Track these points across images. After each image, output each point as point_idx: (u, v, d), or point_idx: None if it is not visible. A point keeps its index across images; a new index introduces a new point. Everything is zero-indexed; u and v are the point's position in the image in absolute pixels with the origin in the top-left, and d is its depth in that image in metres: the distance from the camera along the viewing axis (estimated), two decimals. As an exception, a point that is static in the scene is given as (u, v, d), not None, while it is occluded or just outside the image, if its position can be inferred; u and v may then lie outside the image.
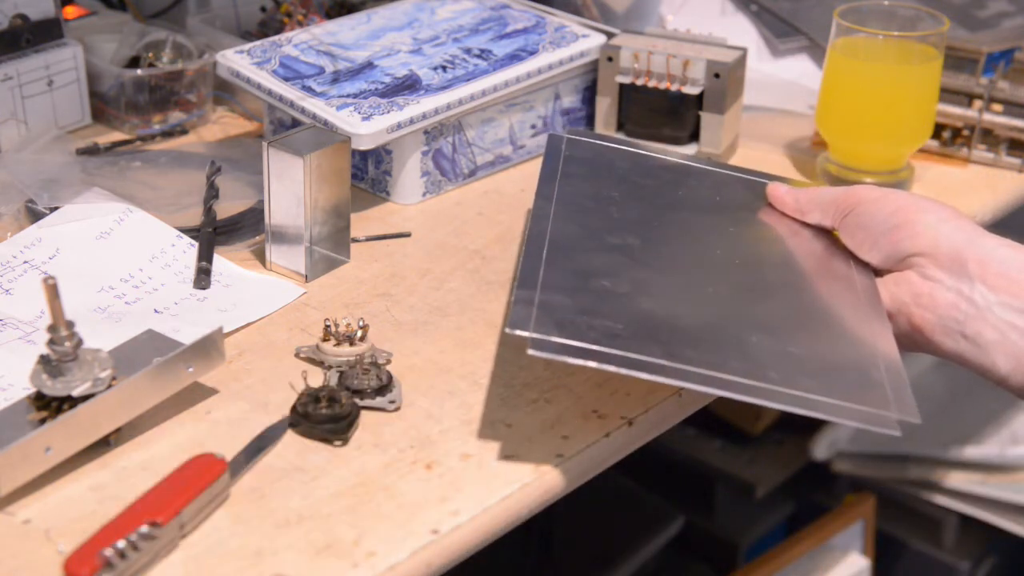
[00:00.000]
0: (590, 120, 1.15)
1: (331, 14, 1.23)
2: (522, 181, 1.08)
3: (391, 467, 0.73)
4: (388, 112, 0.99)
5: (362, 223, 1.00)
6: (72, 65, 1.13)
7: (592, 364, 0.70)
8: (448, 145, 1.05)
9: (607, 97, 1.12)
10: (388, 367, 0.81)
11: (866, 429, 0.72)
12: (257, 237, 0.96)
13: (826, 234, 0.90)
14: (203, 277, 0.90)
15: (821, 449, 1.61)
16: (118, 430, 0.74)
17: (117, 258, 0.92)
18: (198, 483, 0.68)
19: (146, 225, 0.95)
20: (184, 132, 1.16)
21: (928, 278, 0.80)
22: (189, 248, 0.94)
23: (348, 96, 1.01)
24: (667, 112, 1.10)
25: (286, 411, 0.77)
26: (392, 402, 0.78)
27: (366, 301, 0.90)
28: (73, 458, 0.71)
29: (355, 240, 0.96)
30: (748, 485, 1.59)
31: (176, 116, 1.16)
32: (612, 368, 0.70)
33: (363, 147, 0.98)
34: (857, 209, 0.86)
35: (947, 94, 1.13)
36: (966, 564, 1.57)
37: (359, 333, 0.82)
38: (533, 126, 1.11)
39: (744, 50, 1.11)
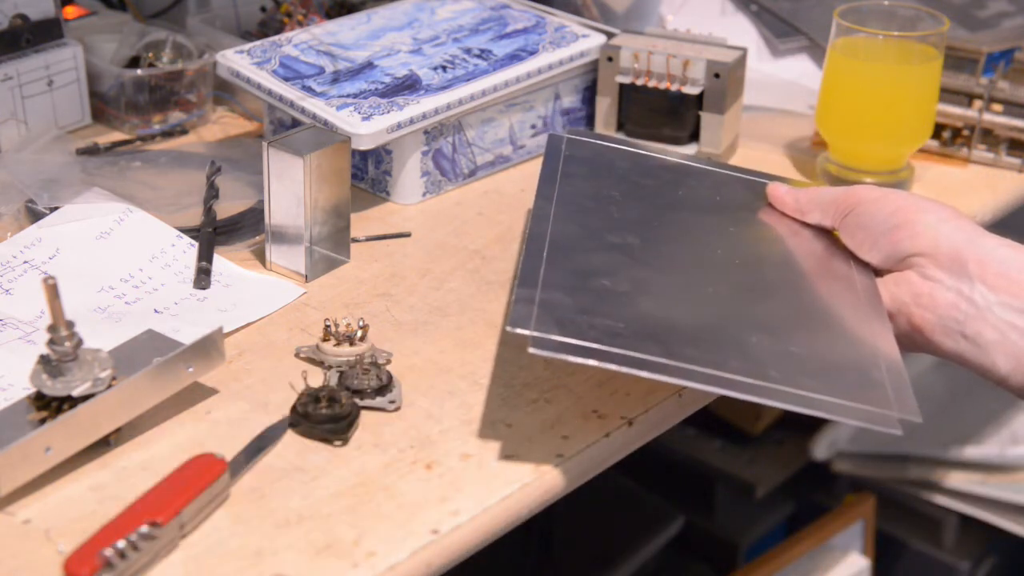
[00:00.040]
0: (590, 120, 1.15)
1: (331, 14, 1.23)
2: (522, 181, 1.08)
3: (391, 467, 0.73)
4: (388, 112, 0.99)
5: (362, 223, 1.00)
6: (72, 65, 1.13)
7: (593, 363, 0.70)
8: (448, 145, 1.05)
9: (607, 97, 1.12)
10: (388, 367, 0.81)
11: (867, 428, 0.72)
12: (257, 237, 0.96)
13: (826, 234, 0.90)
14: (203, 277, 0.90)
15: (821, 449, 1.61)
16: (118, 430, 0.74)
17: (117, 258, 0.92)
18: (198, 483, 0.68)
19: (146, 225, 0.95)
20: (184, 132, 1.16)
21: (928, 278, 0.80)
22: (189, 248, 0.94)
23: (348, 96, 1.01)
24: (667, 112, 1.10)
25: (286, 411, 0.77)
26: (392, 402, 0.78)
27: (366, 301, 0.90)
28: (73, 458, 0.71)
29: (355, 240, 0.96)
30: (748, 485, 1.59)
31: (176, 116, 1.16)
32: (613, 367, 0.70)
33: (363, 147, 0.98)
34: (857, 209, 0.86)
35: (947, 94, 1.13)
36: (966, 564, 1.57)
37: (359, 333, 0.82)
38: (533, 126, 1.11)
39: (744, 50, 1.11)
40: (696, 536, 1.59)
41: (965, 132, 1.14)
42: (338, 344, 0.82)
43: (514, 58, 1.08)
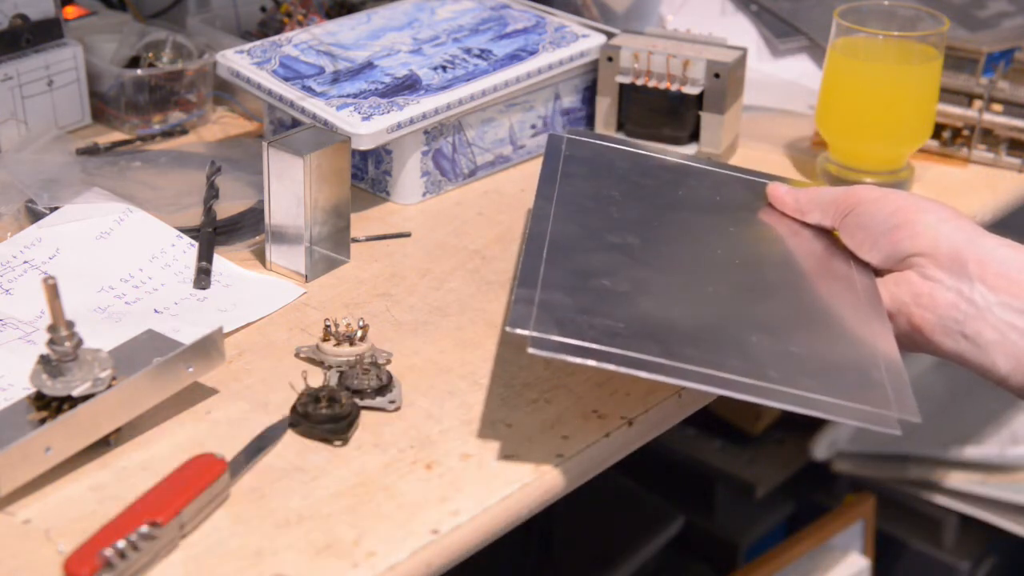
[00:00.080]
0: (590, 120, 1.15)
1: (331, 14, 1.23)
2: (522, 181, 1.08)
3: (391, 467, 0.73)
4: (388, 112, 0.99)
5: (362, 223, 1.00)
6: (72, 65, 1.13)
7: (592, 363, 0.70)
8: (448, 145, 1.05)
9: (607, 97, 1.12)
10: (388, 367, 0.81)
11: (866, 429, 0.72)
12: (257, 237, 0.96)
13: (826, 234, 0.90)
14: (203, 277, 0.90)
15: (821, 449, 1.61)
16: (118, 430, 0.74)
17: (117, 258, 0.92)
18: (198, 483, 0.68)
19: (146, 225, 0.95)
20: (184, 132, 1.16)
21: (928, 278, 0.80)
22: (189, 248, 0.94)
23: (348, 96, 1.01)
24: (667, 112, 1.10)
25: (286, 411, 0.77)
26: (392, 402, 0.78)
27: (366, 301, 0.90)
28: (73, 458, 0.71)
29: (355, 240, 0.96)
30: (748, 485, 1.59)
31: (176, 116, 1.16)
32: (612, 367, 0.70)
33: (363, 147, 0.98)
34: (857, 209, 0.86)
35: (947, 94, 1.13)
36: (966, 564, 1.57)
37: (359, 333, 0.82)
38: (533, 126, 1.11)
39: (744, 50, 1.11)
40: (696, 536, 1.59)
41: (965, 132, 1.14)
42: (338, 344, 0.82)
43: (514, 58, 1.08)
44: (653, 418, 0.79)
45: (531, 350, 0.70)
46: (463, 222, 1.02)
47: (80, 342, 0.72)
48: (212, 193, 0.99)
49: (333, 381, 0.79)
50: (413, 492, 0.71)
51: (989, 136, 1.14)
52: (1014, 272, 0.78)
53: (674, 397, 0.80)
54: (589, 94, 1.14)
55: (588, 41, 1.12)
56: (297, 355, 0.83)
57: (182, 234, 0.95)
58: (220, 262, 0.93)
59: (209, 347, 0.77)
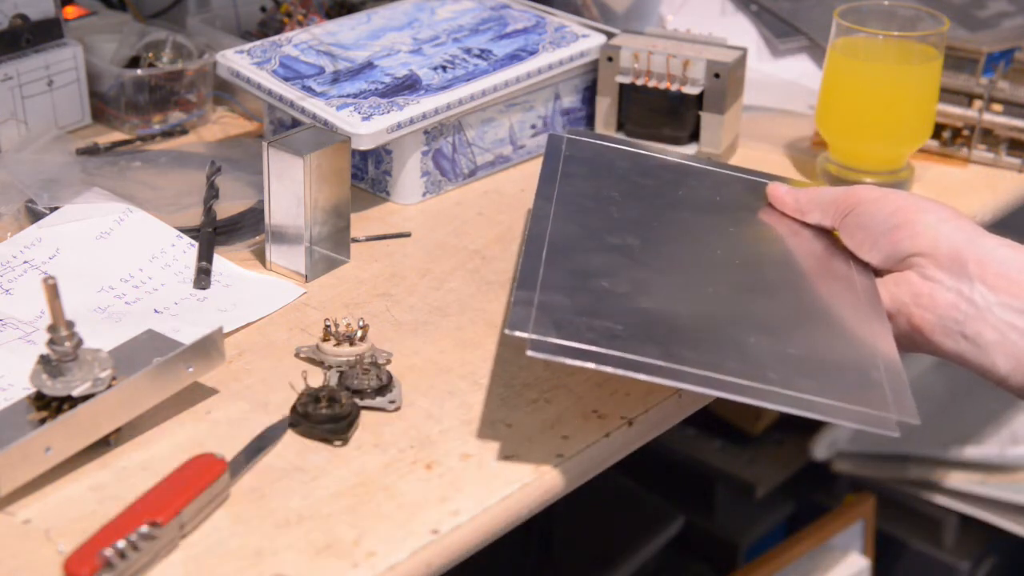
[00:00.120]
0: (590, 120, 1.15)
1: (331, 14, 1.23)
2: (522, 181, 1.08)
3: (391, 467, 0.73)
4: (388, 112, 0.99)
5: (362, 223, 1.00)
6: (72, 65, 1.13)
7: (590, 365, 0.70)
8: (448, 145, 1.05)
9: (607, 97, 1.12)
10: (388, 367, 0.81)
11: (865, 430, 0.72)
12: (257, 237, 0.96)
13: (826, 234, 0.90)
14: (203, 277, 0.90)
15: (821, 449, 1.61)
16: (118, 430, 0.74)
17: (117, 258, 0.92)
18: (198, 483, 0.68)
19: (146, 225, 0.96)
20: (184, 132, 1.16)
21: (928, 278, 0.80)
22: (189, 248, 0.94)
23: (348, 96, 1.01)
24: (667, 112, 1.10)
25: (286, 411, 0.77)
26: (392, 402, 0.78)
27: (366, 301, 0.90)
28: (73, 458, 0.71)
29: (355, 240, 0.96)
30: (748, 485, 1.59)
31: (176, 116, 1.16)
32: (610, 369, 0.71)
33: (363, 147, 0.98)
34: (857, 209, 0.86)
35: (947, 94, 1.13)
36: (966, 564, 1.57)
37: (359, 333, 0.82)
38: (533, 126, 1.11)
39: (744, 50, 1.11)
40: (696, 536, 1.59)
41: (965, 132, 1.14)
42: (338, 344, 0.82)
43: (514, 58, 1.08)
44: (653, 418, 0.79)
45: (530, 353, 0.70)
46: (463, 222, 1.02)
47: (80, 342, 0.72)
48: (212, 193, 0.99)
49: (333, 381, 0.79)
50: (413, 492, 0.71)
51: (989, 136, 1.14)
52: (1014, 272, 0.78)
53: (674, 397, 0.80)
54: (589, 94, 1.14)
55: (588, 41, 1.12)
56: (297, 355, 0.83)
57: (182, 234, 0.95)
58: (220, 262, 0.93)
59: (209, 347, 0.77)
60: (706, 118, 1.09)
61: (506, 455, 0.74)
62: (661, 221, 0.89)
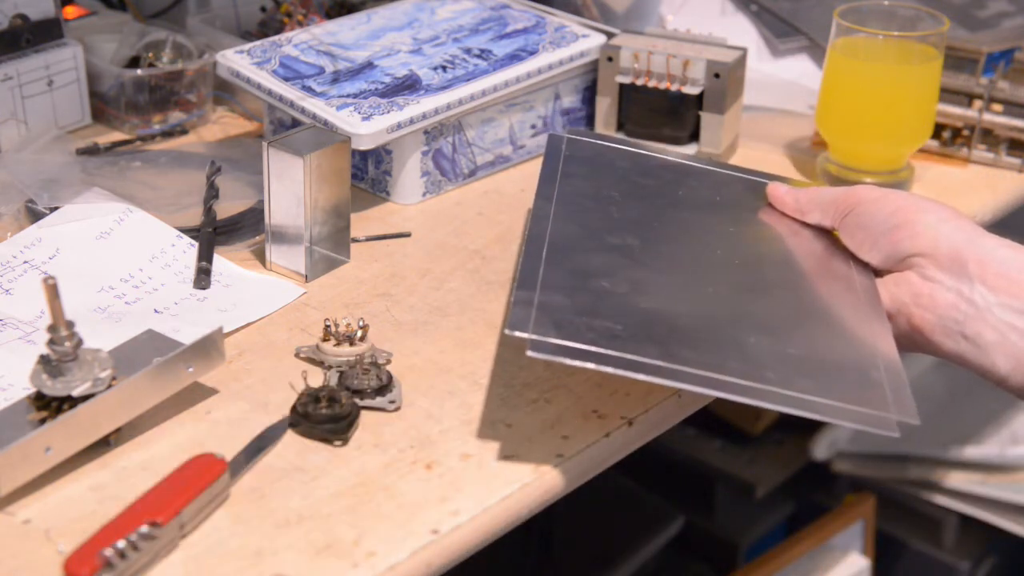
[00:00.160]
0: (590, 120, 1.15)
1: (331, 14, 1.23)
2: (522, 181, 1.08)
3: (391, 467, 0.73)
4: (388, 112, 0.99)
5: (362, 223, 1.00)
6: (72, 65, 1.13)
7: (590, 366, 0.70)
8: (448, 145, 1.05)
9: (607, 97, 1.12)
10: (388, 367, 0.81)
11: (865, 430, 0.72)
12: (257, 237, 0.96)
13: (826, 234, 0.90)
14: (203, 277, 0.90)
15: (821, 449, 1.61)
16: (118, 430, 0.74)
17: (117, 258, 0.92)
18: (198, 483, 0.68)
19: (146, 225, 0.96)
20: (184, 132, 1.16)
21: (928, 278, 0.80)
22: (189, 248, 0.94)
23: (348, 96, 1.01)
24: (667, 112, 1.10)
25: (286, 411, 0.77)
26: (392, 402, 0.78)
27: (366, 301, 0.90)
28: (73, 458, 0.71)
29: (355, 240, 0.96)
30: (748, 485, 1.59)
31: (176, 116, 1.16)
32: (610, 370, 0.71)
33: (363, 147, 0.98)
34: (857, 209, 0.86)
35: (947, 94, 1.13)
36: (966, 564, 1.57)
37: (359, 333, 0.82)
38: (533, 126, 1.11)
39: (744, 50, 1.11)
40: (696, 536, 1.59)
41: (965, 132, 1.14)
42: (338, 344, 0.82)
43: (514, 58, 1.08)
44: (653, 418, 0.79)
45: (530, 353, 0.70)
46: (463, 222, 1.02)
47: (80, 342, 0.72)
48: (212, 193, 0.99)
49: (333, 381, 0.79)
50: (413, 492, 0.71)
51: (989, 136, 1.14)
52: (1014, 272, 0.78)
53: (674, 397, 0.80)
54: (589, 94, 1.14)
55: (588, 41, 1.12)
56: (297, 355, 0.83)
57: (182, 234, 0.95)
58: (220, 262, 0.93)
59: (209, 347, 0.77)
60: (706, 118, 1.09)
61: (506, 455, 0.74)
62: (661, 221, 0.89)
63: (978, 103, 1.13)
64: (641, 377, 0.70)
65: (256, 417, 0.77)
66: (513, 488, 0.72)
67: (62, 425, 0.70)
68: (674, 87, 1.09)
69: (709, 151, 1.10)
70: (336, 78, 1.04)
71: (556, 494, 0.74)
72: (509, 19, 1.15)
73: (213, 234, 0.95)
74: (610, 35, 1.14)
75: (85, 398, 0.71)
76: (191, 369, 0.76)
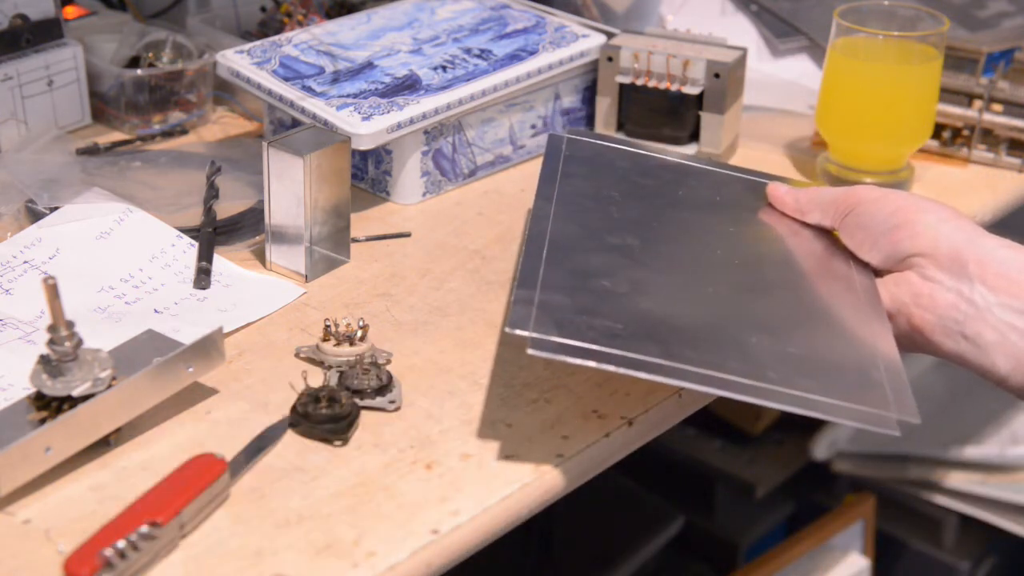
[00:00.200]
0: (590, 120, 1.15)
1: (331, 14, 1.23)
2: (522, 181, 1.08)
3: (391, 467, 0.73)
4: (388, 112, 0.99)
5: (362, 223, 1.00)
6: (72, 65, 1.13)
7: (591, 364, 0.70)
8: (448, 145, 1.05)
9: (607, 97, 1.12)
10: (388, 367, 0.81)
11: (866, 429, 0.72)
12: (257, 237, 0.96)
13: (826, 234, 0.90)
14: (203, 277, 0.90)
15: (821, 449, 1.61)
16: (118, 430, 0.74)
17: (117, 258, 0.92)
18: (198, 483, 0.68)
19: (146, 225, 0.96)
20: (184, 132, 1.16)
21: (928, 279, 0.80)
22: (189, 248, 0.94)
23: (348, 96, 1.01)
24: (667, 112, 1.10)
25: (286, 411, 0.77)
26: (392, 402, 0.78)
27: (366, 301, 0.90)
28: (73, 458, 0.71)
29: (355, 240, 0.96)
30: (748, 485, 1.59)
31: (176, 116, 1.16)
32: (611, 368, 0.71)
33: (363, 147, 0.98)
34: (857, 209, 0.86)
35: (947, 94, 1.13)
36: (966, 564, 1.57)
37: (359, 333, 0.82)
38: (533, 126, 1.11)
39: (744, 50, 1.11)
40: (696, 536, 1.59)
41: (965, 132, 1.14)
42: (338, 344, 0.82)
43: (514, 58, 1.08)
44: (653, 418, 0.79)
45: (531, 351, 0.70)
46: (463, 222, 1.02)
47: (80, 342, 0.72)
48: (212, 193, 0.99)
49: (333, 381, 0.79)
50: (413, 492, 0.71)
51: (989, 136, 1.14)
52: (1014, 272, 0.78)
53: (674, 397, 0.80)
54: (589, 94, 1.14)
55: (588, 41, 1.12)
56: (297, 355, 0.83)
57: (182, 234, 0.95)
58: (220, 262, 0.93)
59: (209, 347, 0.77)
60: (706, 118, 1.09)
61: (506, 455, 0.74)
62: (661, 221, 0.89)
63: (978, 103, 1.13)
64: (642, 375, 0.70)
65: (256, 417, 0.77)
66: (513, 488, 0.72)
67: (62, 425, 0.70)
68: (674, 87, 1.09)
69: (709, 151, 1.10)
70: (336, 78, 1.04)
71: (556, 494, 0.74)
72: (509, 19, 1.15)
73: (213, 234, 0.95)
74: (610, 35, 1.14)
75: (85, 398, 0.71)
76: (191, 369, 0.76)
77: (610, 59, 1.11)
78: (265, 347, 0.84)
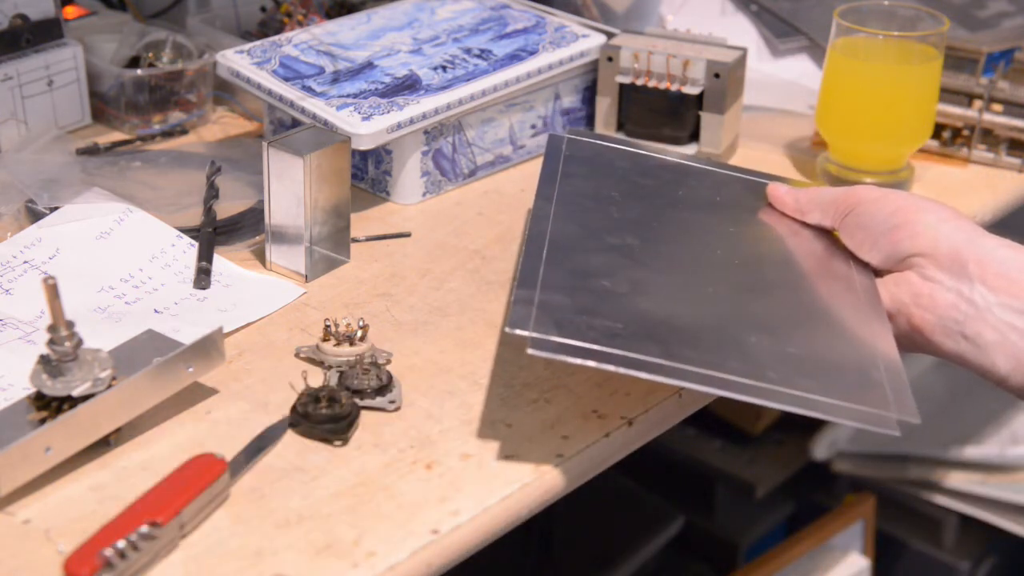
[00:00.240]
0: (590, 120, 1.15)
1: (331, 14, 1.23)
2: (522, 181, 1.08)
3: (391, 467, 0.73)
4: (388, 112, 0.99)
5: (362, 223, 1.00)
6: (72, 65, 1.13)
7: (591, 364, 0.70)
8: (448, 145, 1.05)
9: (607, 97, 1.12)
10: (388, 367, 0.81)
11: (866, 429, 0.72)
12: (257, 237, 0.96)
13: (826, 234, 0.90)
14: (203, 277, 0.90)
15: (821, 449, 1.61)
16: (118, 430, 0.74)
17: (117, 258, 0.92)
18: (198, 483, 0.68)
19: (146, 225, 0.96)
20: (184, 132, 1.16)
21: (928, 279, 0.80)
22: (189, 248, 0.94)
23: (348, 96, 1.01)
24: (667, 112, 1.10)
25: (286, 411, 0.77)
26: (392, 402, 0.78)
27: (366, 301, 0.90)
28: (73, 458, 0.71)
29: (355, 240, 0.96)
30: (748, 485, 1.59)
31: (176, 116, 1.16)
32: (611, 368, 0.71)
33: (363, 147, 0.98)
34: (857, 209, 0.86)
35: (947, 94, 1.13)
36: (966, 564, 1.57)
37: (359, 333, 0.82)
38: (533, 126, 1.11)
39: (744, 50, 1.11)
40: (696, 536, 1.59)
41: (965, 132, 1.14)
42: (338, 344, 0.82)
43: (514, 58, 1.08)
44: (653, 418, 0.79)
45: (530, 351, 0.70)
46: (463, 222, 1.02)
47: (80, 342, 0.72)
48: (212, 193, 0.99)
49: (333, 381, 0.79)
50: (413, 492, 0.71)
51: (989, 136, 1.14)
52: (1014, 272, 0.78)
53: (674, 397, 0.80)
54: (589, 94, 1.14)
55: (588, 41, 1.12)
56: (297, 355, 0.83)
57: (182, 234, 0.95)
58: (220, 262, 0.93)
59: (209, 347, 0.77)
60: (706, 118, 1.09)
61: (506, 455, 0.74)
62: (661, 221, 0.89)
63: (978, 103, 1.13)
64: (643, 375, 0.70)
65: (256, 417, 0.77)
66: (513, 488, 0.72)
67: (62, 425, 0.70)
68: (674, 87, 1.09)
69: (709, 151, 1.10)
70: (336, 78, 1.04)
71: (556, 494, 0.74)
72: (509, 19, 1.15)
73: (213, 234, 0.95)
74: (610, 35, 1.14)
75: (85, 398, 0.71)
76: (191, 369, 0.76)
77: (610, 59, 1.11)
78: (265, 347, 0.84)
